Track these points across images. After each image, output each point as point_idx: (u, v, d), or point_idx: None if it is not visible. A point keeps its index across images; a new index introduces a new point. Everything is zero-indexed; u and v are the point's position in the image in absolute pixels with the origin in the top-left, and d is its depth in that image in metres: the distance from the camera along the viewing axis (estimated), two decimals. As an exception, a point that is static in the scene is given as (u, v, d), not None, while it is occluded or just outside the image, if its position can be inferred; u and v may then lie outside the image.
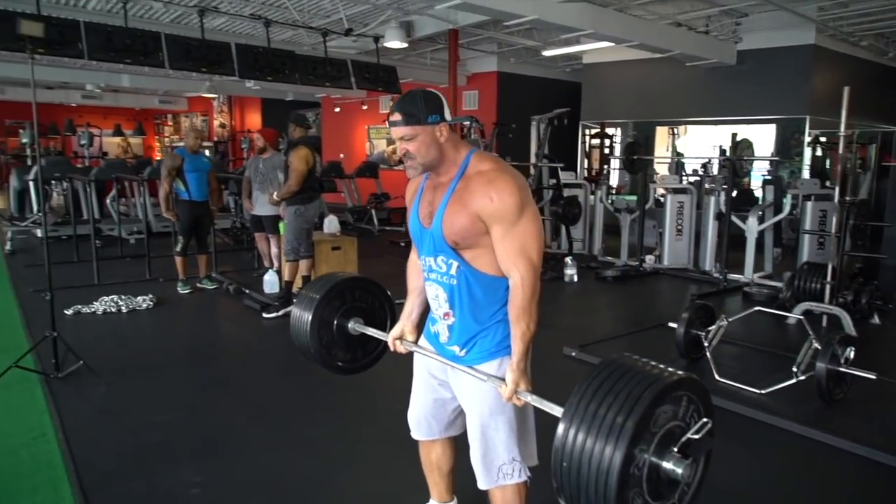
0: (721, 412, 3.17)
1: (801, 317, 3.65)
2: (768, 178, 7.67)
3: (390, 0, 8.37)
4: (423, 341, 1.93)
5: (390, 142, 14.31)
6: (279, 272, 5.62)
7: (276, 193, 5.13)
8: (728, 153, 5.95)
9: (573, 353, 4.04)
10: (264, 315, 5.05)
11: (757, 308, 3.99)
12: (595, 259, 7.75)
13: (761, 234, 6.48)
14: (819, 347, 3.15)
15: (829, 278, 4.53)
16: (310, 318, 2.02)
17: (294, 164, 5.07)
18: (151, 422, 3.06)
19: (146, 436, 2.91)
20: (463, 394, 1.82)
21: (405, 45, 8.77)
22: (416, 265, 1.90)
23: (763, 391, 3.32)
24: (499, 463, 1.74)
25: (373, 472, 2.60)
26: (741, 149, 5.77)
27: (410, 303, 1.97)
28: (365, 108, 14.24)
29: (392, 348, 1.94)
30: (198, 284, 5.92)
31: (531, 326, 1.63)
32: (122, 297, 5.27)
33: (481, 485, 1.78)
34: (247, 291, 5.61)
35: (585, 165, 10.50)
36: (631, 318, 5.35)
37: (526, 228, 1.62)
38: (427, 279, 1.80)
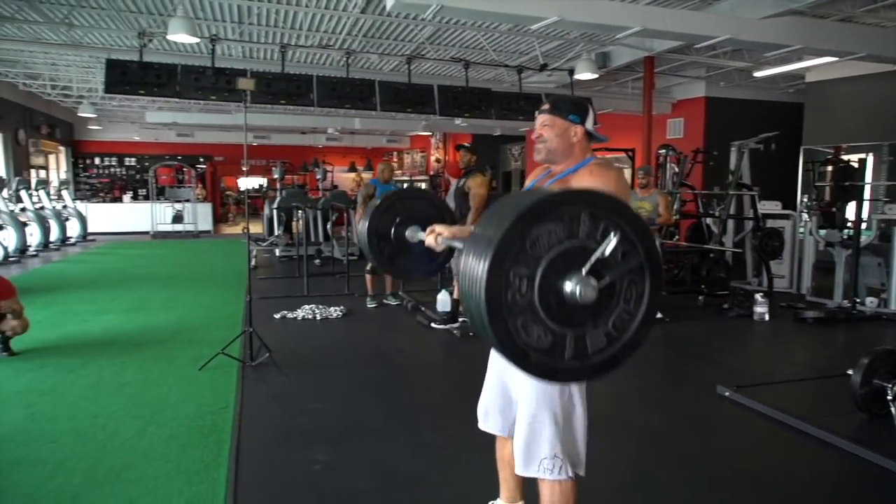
0: None
1: None
2: None
3: (581, 33, 8.49)
4: None
5: (590, 173, 14.21)
6: (451, 292, 6.01)
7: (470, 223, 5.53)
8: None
9: (727, 394, 3.69)
10: (433, 325, 5.48)
11: (966, 361, 3.24)
12: (802, 299, 6.81)
13: None
14: None
15: None
16: (366, 228, 2.23)
17: (474, 189, 5.44)
18: (307, 409, 3.57)
19: (299, 419, 3.41)
20: (516, 382, 1.90)
21: (596, 76, 8.78)
22: None
23: (958, 461, 2.70)
24: (541, 456, 1.79)
25: (470, 475, 2.71)
26: None
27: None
28: (565, 140, 14.40)
29: (426, 241, 2.05)
30: (384, 300, 6.59)
31: None
32: (319, 306, 6.12)
33: (519, 471, 1.85)
34: (422, 308, 6.10)
35: (813, 195, 9.30)
36: (819, 364, 4.64)
37: None
38: None
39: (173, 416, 3.37)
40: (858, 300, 5.99)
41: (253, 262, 9.58)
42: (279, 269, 9.24)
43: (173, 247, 12.67)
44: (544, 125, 1.95)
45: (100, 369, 4.20)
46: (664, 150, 9.27)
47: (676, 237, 8.35)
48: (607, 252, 1.28)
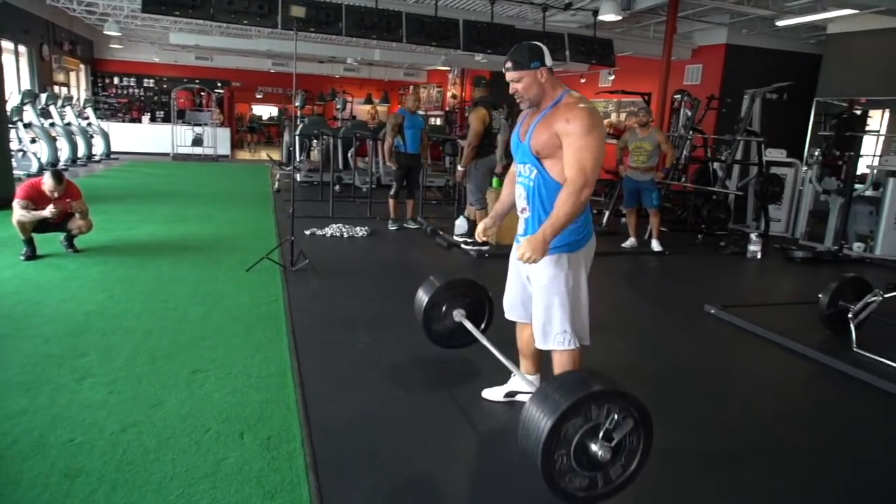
0: (851, 380, 3.24)
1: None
2: None
3: (608, -27, 8.58)
4: (514, 244, 2.51)
5: (605, 115, 14.39)
6: (468, 218, 6.44)
7: (461, 163, 5.93)
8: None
9: (712, 311, 4.20)
10: (462, 245, 5.97)
11: (921, 287, 3.72)
12: (796, 242, 7.27)
13: None
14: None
15: None
16: (426, 300, 2.96)
17: (472, 122, 5.79)
18: (344, 304, 4.11)
19: (339, 311, 3.95)
20: (532, 277, 2.37)
21: (619, 17, 8.91)
22: (510, 180, 2.49)
23: (899, 365, 3.22)
24: (554, 332, 2.29)
25: (473, 358, 3.24)
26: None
27: (501, 204, 2.56)
28: (583, 81, 14.48)
29: (480, 237, 2.56)
30: (404, 224, 7.07)
31: (562, 216, 2.10)
32: (346, 226, 6.61)
33: (539, 345, 2.36)
34: (440, 233, 6.59)
35: (825, 146, 9.56)
36: (797, 293, 5.19)
37: (586, 147, 2.11)
38: (517, 182, 2.38)
39: (232, 304, 3.91)
40: (846, 244, 6.43)
41: (276, 186, 10.04)
42: (300, 194, 9.64)
43: (194, 169, 13.08)
44: (515, 82, 2.21)
45: (158, 266, 4.73)
46: (679, 96, 9.51)
47: (683, 179, 8.72)
48: (618, 436, 1.83)
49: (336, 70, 20.01)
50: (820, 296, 3.78)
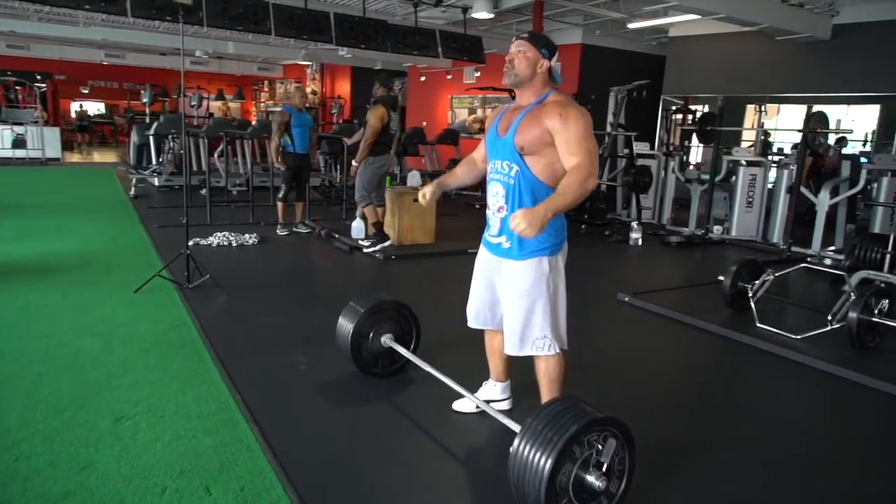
0: (760, 353, 3.56)
1: (843, 273, 3.88)
2: (847, 154, 7.57)
3: (478, -29, 8.70)
4: (481, 248, 2.42)
5: (471, 111, 14.73)
6: (364, 218, 6.21)
7: (355, 158, 5.72)
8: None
9: (626, 299, 4.44)
10: (365, 250, 5.73)
11: (804, 264, 4.24)
12: (663, 228, 7.95)
13: (835, 209, 6.50)
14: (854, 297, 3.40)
15: (889, 248, 4.64)
16: (350, 328, 2.80)
17: (370, 120, 5.61)
18: (264, 322, 3.76)
19: (262, 331, 3.60)
20: (507, 282, 2.27)
21: (491, 15, 9.11)
22: (468, 163, 2.53)
23: (798, 336, 3.62)
24: (533, 337, 2.24)
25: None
26: (814, 122, 5.84)
27: (453, 177, 2.54)
28: (449, 77, 14.67)
29: (420, 198, 2.47)
30: (294, 228, 6.67)
31: (568, 196, 2.00)
32: (232, 234, 6.08)
33: (513, 352, 2.28)
34: (336, 236, 6.30)
35: (666, 139, 10.55)
36: (687, 276, 5.69)
37: (589, 138, 2.08)
38: (491, 179, 2.28)
39: (133, 333, 3.40)
40: (708, 227, 7.16)
41: (133, 192, 9.00)
42: (160, 200, 8.78)
43: (22, 175, 11.34)
44: (520, 50, 2.17)
45: (24, 294, 4.00)
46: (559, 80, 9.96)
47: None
48: (606, 459, 1.82)
49: (181, 63, 18.40)
50: (721, 278, 4.14)
